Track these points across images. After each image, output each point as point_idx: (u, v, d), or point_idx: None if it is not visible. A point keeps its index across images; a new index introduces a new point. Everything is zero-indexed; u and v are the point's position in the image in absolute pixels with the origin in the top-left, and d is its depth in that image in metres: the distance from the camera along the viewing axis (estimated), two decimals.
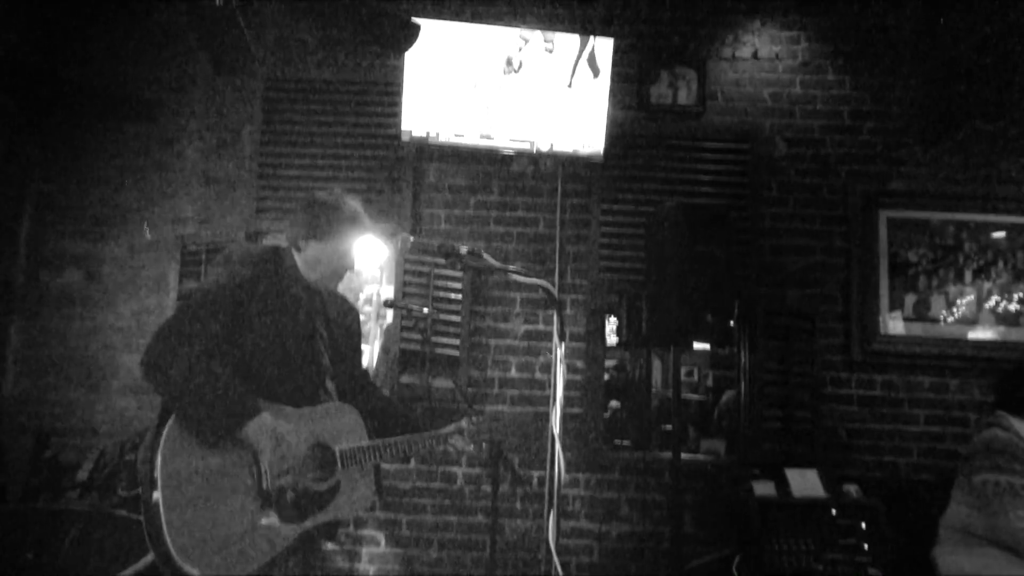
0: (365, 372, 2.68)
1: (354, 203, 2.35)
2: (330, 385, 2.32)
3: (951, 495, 3.15)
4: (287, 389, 2.16)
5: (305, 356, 2.23)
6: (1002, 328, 4.14)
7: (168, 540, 1.89)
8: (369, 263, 4.88)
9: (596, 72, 3.99)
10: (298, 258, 2.29)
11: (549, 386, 4.09)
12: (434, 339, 4.05)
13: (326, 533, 2.33)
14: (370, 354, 4.63)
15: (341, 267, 2.34)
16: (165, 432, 1.96)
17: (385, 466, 3.80)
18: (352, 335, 2.53)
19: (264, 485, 2.03)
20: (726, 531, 3.86)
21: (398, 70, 4.01)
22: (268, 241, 4.20)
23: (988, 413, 3.21)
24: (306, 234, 2.27)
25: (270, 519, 2.04)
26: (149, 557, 2.72)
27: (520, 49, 4.01)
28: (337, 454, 2.19)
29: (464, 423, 2.51)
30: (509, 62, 4.00)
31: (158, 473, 1.92)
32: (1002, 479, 2.88)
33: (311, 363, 2.25)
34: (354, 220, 2.30)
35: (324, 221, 2.26)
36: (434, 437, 2.46)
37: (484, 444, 2.68)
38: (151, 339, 2.02)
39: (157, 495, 1.89)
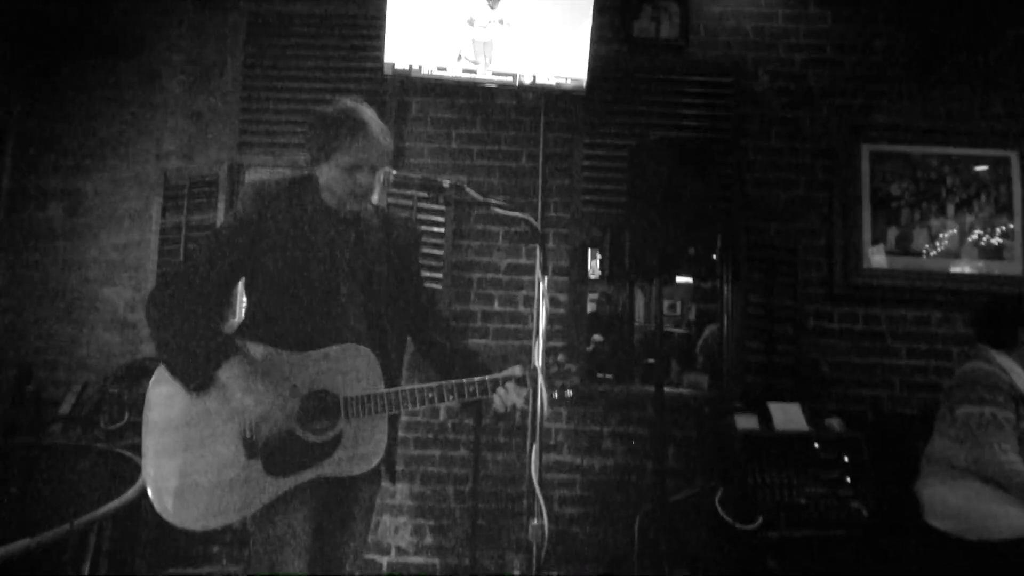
0: (431, 300, 2.38)
1: (359, 110, 2.05)
2: (356, 322, 2.07)
3: (934, 428, 3.09)
4: (296, 331, 1.98)
5: (318, 293, 2.01)
6: (984, 262, 4.03)
7: (149, 488, 1.87)
8: None
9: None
10: (320, 185, 2.07)
11: (532, 320, 4.02)
12: None
13: (343, 489, 2.10)
14: None
15: (357, 187, 2.03)
16: (152, 379, 1.95)
17: None
18: (406, 258, 2.25)
19: (247, 434, 1.91)
20: (709, 465, 3.78)
21: (381, 2, 3.86)
22: (249, 174, 4.12)
23: (970, 347, 3.16)
24: (315, 155, 2.05)
25: (254, 471, 1.91)
26: (131, 491, 2.66)
27: None
28: (341, 402, 1.97)
29: (518, 369, 2.07)
30: None
31: (144, 419, 1.93)
32: (985, 411, 2.82)
33: (329, 301, 2.03)
34: (360, 130, 2.00)
35: (328, 137, 2.01)
36: (472, 385, 2.03)
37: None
38: (153, 286, 1.98)
39: (142, 441, 1.91)
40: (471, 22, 3.89)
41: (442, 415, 3.97)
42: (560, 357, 2.11)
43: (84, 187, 4.14)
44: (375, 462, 2.01)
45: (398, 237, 2.23)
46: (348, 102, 2.07)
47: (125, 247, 4.08)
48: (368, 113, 2.06)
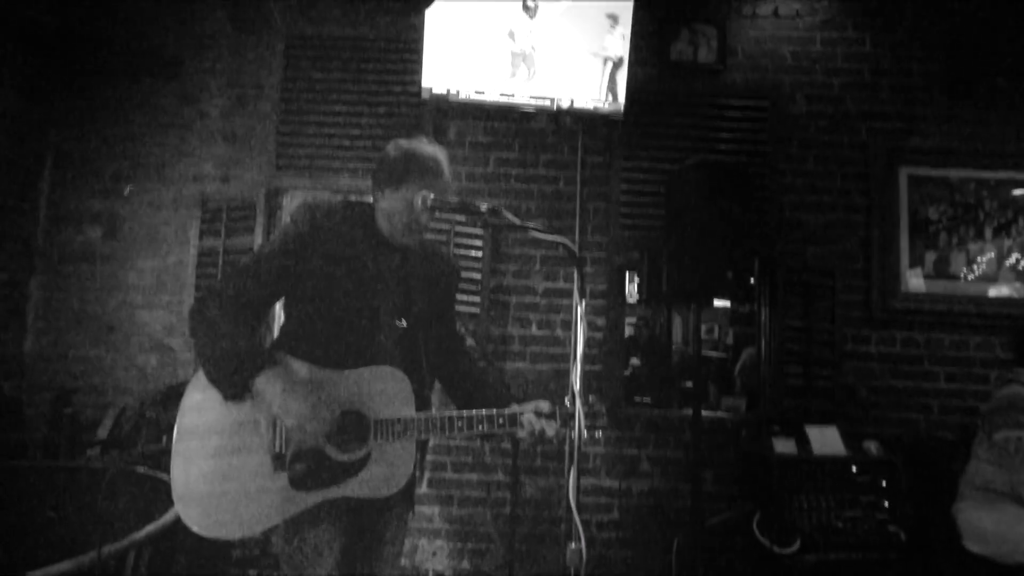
0: (459, 338, 2.41)
1: (432, 150, 2.08)
2: (391, 346, 2.06)
3: (972, 452, 3.06)
4: (332, 350, 1.98)
5: (361, 317, 2.02)
6: (1022, 285, 4.01)
7: (173, 491, 1.87)
8: None
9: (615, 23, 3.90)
10: (377, 212, 2.09)
11: (569, 343, 4.00)
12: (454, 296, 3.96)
13: (374, 511, 2.09)
14: None
15: (415, 220, 2.05)
16: (190, 385, 1.96)
17: None
18: (442, 293, 2.26)
19: (276, 447, 1.91)
20: (746, 488, 3.76)
21: (419, 26, 3.86)
22: (287, 199, 4.12)
23: (1008, 370, 3.14)
24: (380, 183, 2.07)
25: (280, 484, 1.89)
26: (168, 515, 2.65)
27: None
28: (371, 424, 1.96)
29: (546, 405, 2.06)
30: (525, 6, 3.88)
31: (176, 423, 1.93)
32: (1023, 435, 2.81)
33: (368, 323, 2.02)
34: (428, 168, 2.03)
35: (397, 169, 2.04)
36: (502, 416, 2.03)
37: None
38: (195, 299, 2.02)
39: (171, 447, 1.90)
40: (511, 35, 3.87)
41: (479, 439, 3.96)
42: (591, 398, 2.11)
43: (122, 210, 4.12)
44: (402, 485, 2.00)
45: (439, 270, 2.25)
46: (425, 140, 2.11)
47: (163, 270, 4.06)
48: (444, 155, 2.09)
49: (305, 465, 1.91)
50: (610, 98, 3.92)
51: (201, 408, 1.93)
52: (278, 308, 2.17)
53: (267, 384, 1.86)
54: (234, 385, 1.88)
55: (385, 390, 1.99)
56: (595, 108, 3.92)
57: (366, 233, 2.07)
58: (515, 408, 2.06)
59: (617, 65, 3.90)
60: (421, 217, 2.04)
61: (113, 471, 3.43)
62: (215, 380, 1.90)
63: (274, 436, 1.91)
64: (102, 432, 3.75)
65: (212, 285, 2.03)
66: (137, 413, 3.77)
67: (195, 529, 1.85)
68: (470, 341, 3.91)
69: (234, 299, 1.96)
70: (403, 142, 2.10)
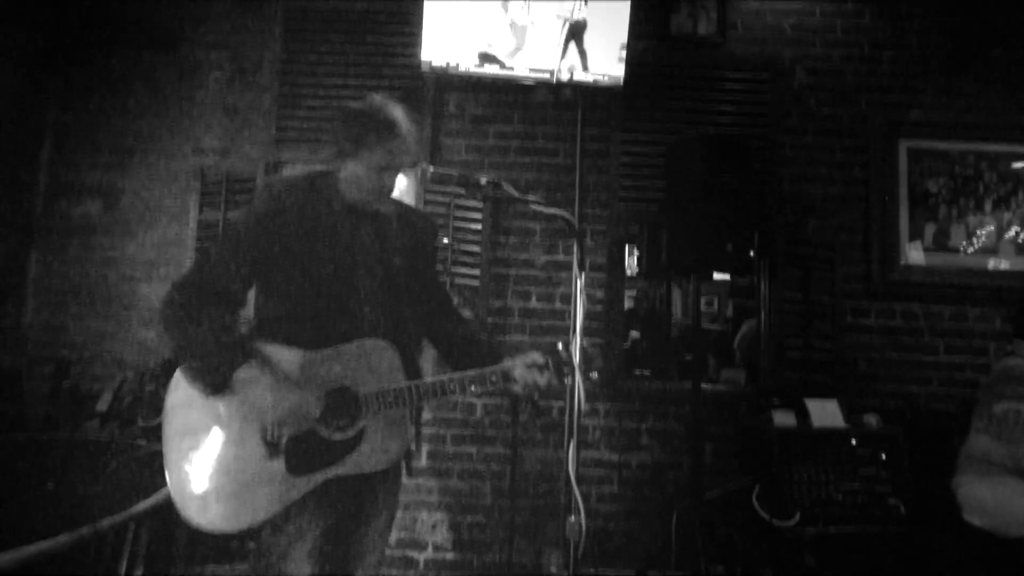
0: (446, 298, 2.35)
1: (390, 107, 1.97)
2: (375, 317, 2.02)
3: (971, 424, 3.05)
4: (313, 329, 1.94)
5: (337, 291, 1.97)
6: (1021, 258, 3.99)
7: (171, 491, 1.87)
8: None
9: None
10: (341, 180, 2.02)
11: (569, 316, 3.99)
12: (454, 269, 3.93)
13: (372, 487, 2.08)
14: None
15: (384, 187, 2.00)
16: (171, 383, 1.94)
17: None
18: (423, 254, 2.22)
19: (269, 436, 1.88)
20: (745, 461, 3.73)
21: None
22: (287, 171, 4.10)
23: (1008, 342, 3.14)
24: (340, 150, 1.99)
25: (276, 471, 1.87)
26: (166, 489, 2.63)
27: None
28: (361, 398, 1.93)
29: (538, 355, 2.04)
30: None
31: (164, 423, 1.92)
32: (1023, 407, 2.80)
33: (347, 298, 1.98)
34: (390, 128, 1.94)
35: (356, 133, 1.95)
36: (494, 374, 2.01)
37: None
38: (167, 291, 1.93)
39: (160, 446, 1.90)
40: (505, 6, 3.85)
41: (479, 412, 3.95)
42: (586, 341, 2.11)
43: (121, 183, 4.11)
44: (399, 455, 2.00)
45: (416, 232, 2.20)
46: (380, 99, 2.01)
47: (162, 244, 4.05)
48: (400, 112, 1.98)
49: (301, 449, 1.89)
50: (573, 66, 3.87)
51: (186, 406, 1.91)
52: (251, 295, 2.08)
53: (249, 375, 1.85)
54: (216, 380, 1.86)
55: (373, 363, 1.96)
56: (595, 81, 3.91)
57: (334, 204, 2.01)
58: (507, 363, 2.04)
59: (578, 28, 3.87)
60: (385, 180, 1.98)
61: (113, 444, 3.44)
62: (197, 377, 1.88)
63: (265, 424, 1.88)
64: (101, 405, 3.74)
65: (183, 276, 1.97)
66: (137, 386, 3.76)
67: (201, 526, 1.84)
68: (468, 313, 3.91)
69: (208, 289, 1.92)
70: (356, 104, 2.02)
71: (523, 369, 2.02)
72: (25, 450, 3.24)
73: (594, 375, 2.12)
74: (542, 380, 2.03)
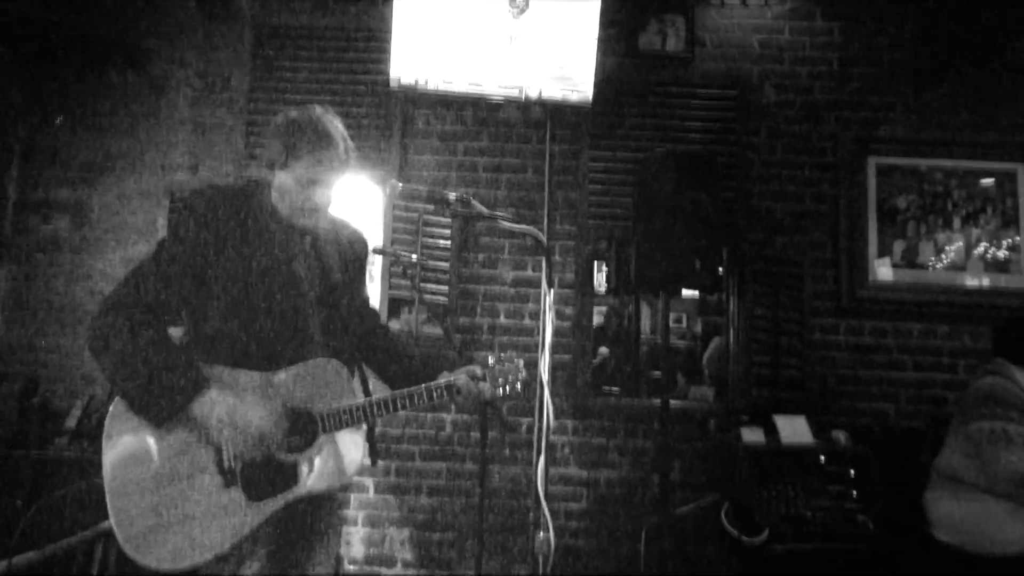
0: (373, 312, 2.31)
1: (327, 121, 1.92)
2: (319, 336, 1.98)
3: (945, 441, 3.01)
4: (260, 350, 1.87)
5: (281, 308, 1.89)
6: (990, 275, 3.97)
7: (116, 531, 1.71)
8: (358, 209, 4.77)
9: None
10: (273, 192, 1.94)
11: (538, 333, 3.98)
12: (423, 286, 3.91)
13: (319, 507, 2.01)
14: None
15: (313, 200, 1.92)
16: (110, 412, 1.78)
17: None
18: (356, 269, 2.18)
19: (226, 463, 1.79)
20: (714, 478, 3.73)
21: (387, 16, 3.82)
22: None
23: (986, 360, 3.10)
24: (273, 159, 1.90)
25: (235, 499, 1.79)
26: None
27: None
28: (317, 418, 1.90)
29: (479, 370, 2.11)
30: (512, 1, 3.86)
31: (104, 458, 1.75)
32: (997, 426, 2.75)
33: (290, 315, 1.91)
34: (322, 139, 1.88)
35: (289, 144, 1.87)
36: (439, 388, 2.04)
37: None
38: (95, 312, 1.79)
39: (103, 482, 1.73)
40: (477, 36, 3.84)
41: (448, 428, 3.94)
42: (508, 352, 2.17)
43: (90, 199, 4.09)
44: (352, 475, 1.99)
45: (349, 246, 2.15)
46: (319, 110, 1.94)
47: (131, 260, 4.00)
48: (334, 125, 1.93)
49: (258, 474, 1.83)
50: (579, 88, 3.87)
51: (131, 438, 1.76)
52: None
53: (208, 406, 1.76)
54: (169, 416, 1.74)
55: (329, 383, 1.93)
56: (564, 98, 3.90)
57: (267, 218, 1.93)
58: (449, 378, 2.07)
59: (586, 55, 3.87)
60: (316, 194, 1.92)
61: (82, 460, 3.43)
62: (141, 410, 1.75)
63: (220, 452, 1.80)
64: (70, 422, 3.73)
65: (113, 295, 1.82)
66: (105, 403, 3.75)
67: (151, 566, 1.70)
68: (438, 330, 3.90)
69: (143, 307, 1.79)
70: (292, 113, 1.94)
71: (466, 380, 2.07)
72: None
73: (519, 387, 2.16)
74: (486, 392, 2.09)
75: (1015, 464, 2.69)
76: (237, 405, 1.78)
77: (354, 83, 4.12)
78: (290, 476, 1.87)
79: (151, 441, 1.77)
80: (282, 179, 1.91)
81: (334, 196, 1.99)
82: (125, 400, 1.77)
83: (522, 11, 3.82)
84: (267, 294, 1.88)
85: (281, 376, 1.89)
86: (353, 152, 1.99)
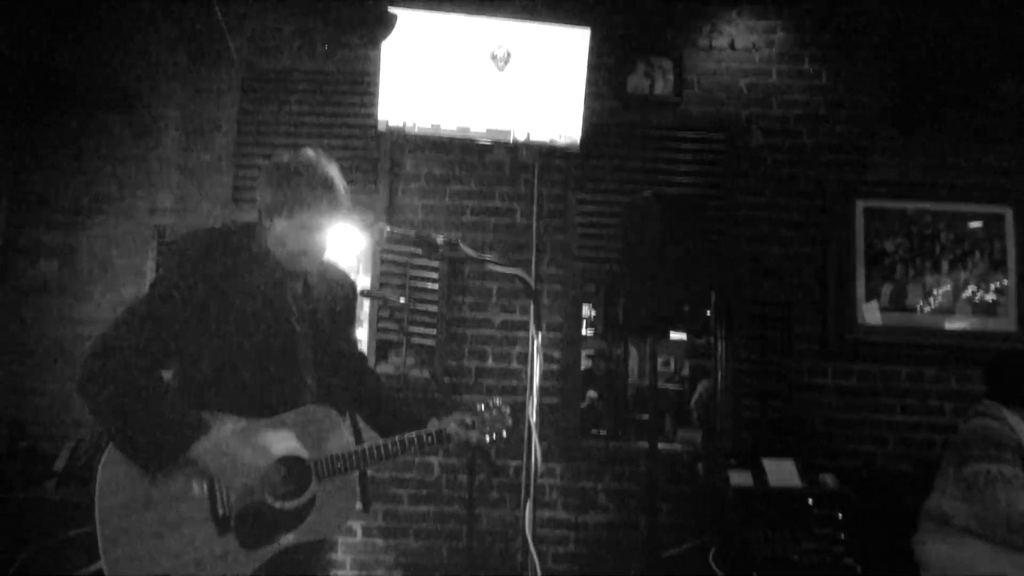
0: (361, 356, 2.29)
1: (325, 165, 1.89)
2: (311, 382, 1.97)
3: (934, 484, 3.00)
4: (253, 396, 1.84)
5: (275, 354, 1.88)
6: (979, 318, 3.96)
7: (106, 573, 1.69)
8: (346, 253, 4.77)
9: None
10: (269, 237, 1.90)
11: (526, 376, 3.97)
12: (411, 329, 3.89)
13: (312, 553, 1.99)
14: None
15: (311, 248, 1.90)
16: (103, 459, 1.73)
17: None
18: (345, 313, 2.16)
19: (220, 510, 1.77)
20: (702, 521, 3.71)
21: (375, 60, 3.82)
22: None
23: (976, 402, 3.08)
24: (271, 207, 1.86)
25: (229, 547, 1.77)
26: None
27: (500, 45, 3.88)
28: (311, 465, 1.87)
29: (468, 417, 2.11)
30: (494, 56, 3.85)
31: (96, 504, 1.70)
32: (993, 468, 2.72)
33: (284, 361, 1.90)
34: (325, 188, 1.86)
35: (289, 191, 1.84)
36: (430, 436, 2.05)
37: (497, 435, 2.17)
38: (85, 355, 1.72)
39: (95, 528, 1.69)
40: (465, 80, 3.83)
41: (436, 471, 3.93)
42: (496, 400, 2.16)
43: (77, 243, 4.07)
44: (344, 522, 2.06)
45: (339, 289, 2.13)
46: (313, 154, 1.91)
47: (119, 304, 3.97)
48: (333, 170, 1.91)
49: (252, 522, 1.81)
50: (567, 131, 3.87)
51: (125, 484, 1.72)
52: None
53: (206, 452, 1.72)
54: (166, 463, 1.71)
55: (323, 430, 1.91)
56: (552, 141, 3.89)
57: (261, 261, 1.90)
58: (438, 425, 2.08)
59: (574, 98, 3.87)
60: (317, 239, 1.90)
61: (71, 504, 3.42)
62: (136, 455, 1.70)
63: (214, 499, 1.78)
64: (59, 465, 3.72)
65: (102, 340, 1.74)
66: (93, 445, 3.74)
67: None
68: (426, 373, 3.89)
69: (136, 352, 1.73)
70: (288, 158, 1.90)
71: (455, 427, 2.08)
72: None
73: (504, 433, 2.16)
74: (473, 439, 2.09)
75: (1016, 506, 2.66)
76: (240, 448, 1.76)
77: (342, 126, 4.12)
78: (283, 523, 1.85)
79: (145, 488, 1.73)
80: (281, 224, 1.88)
81: (329, 241, 1.96)
82: (118, 444, 1.72)
83: (506, 63, 3.82)
84: (261, 340, 1.86)
85: (274, 422, 1.87)
86: (349, 194, 1.96)
